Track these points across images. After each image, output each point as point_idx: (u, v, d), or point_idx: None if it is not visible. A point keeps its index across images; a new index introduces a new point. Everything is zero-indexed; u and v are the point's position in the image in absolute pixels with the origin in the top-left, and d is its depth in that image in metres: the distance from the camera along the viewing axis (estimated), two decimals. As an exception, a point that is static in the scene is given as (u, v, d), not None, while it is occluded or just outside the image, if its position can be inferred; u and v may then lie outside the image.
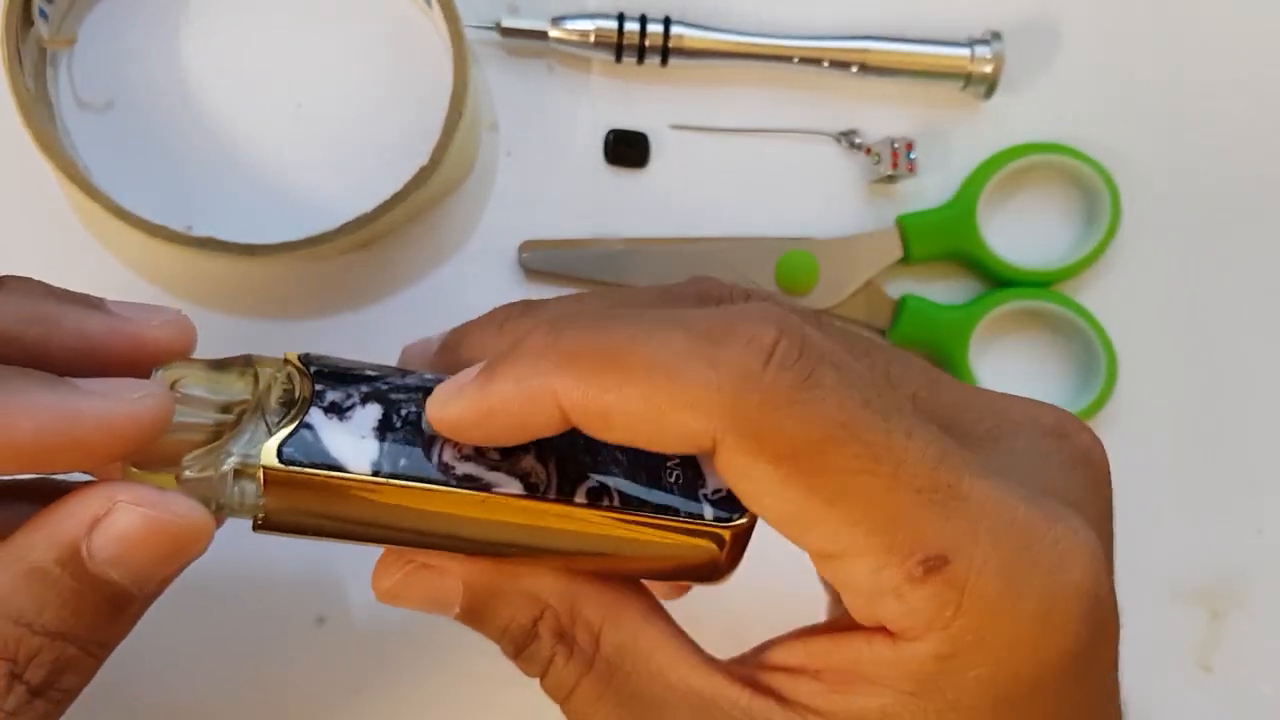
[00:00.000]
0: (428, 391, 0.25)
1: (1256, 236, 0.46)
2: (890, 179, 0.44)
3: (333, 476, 0.24)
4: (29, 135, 0.38)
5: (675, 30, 0.43)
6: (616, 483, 0.24)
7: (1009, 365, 0.45)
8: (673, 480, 0.25)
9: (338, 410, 0.24)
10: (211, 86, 0.43)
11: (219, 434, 0.24)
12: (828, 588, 0.27)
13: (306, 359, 0.25)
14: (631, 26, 0.43)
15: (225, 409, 0.24)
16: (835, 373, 0.21)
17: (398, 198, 0.39)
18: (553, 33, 0.43)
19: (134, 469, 0.24)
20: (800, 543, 0.23)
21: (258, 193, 0.42)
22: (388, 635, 0.41)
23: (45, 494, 0.24)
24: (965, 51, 0.44)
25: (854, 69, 0.44)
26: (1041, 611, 0.22)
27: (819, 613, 0.28)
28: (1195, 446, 0.45)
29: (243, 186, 0.42)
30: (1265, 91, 0.46)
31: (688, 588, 0.29)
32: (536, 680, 0.26)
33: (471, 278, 0.43)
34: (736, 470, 0.22)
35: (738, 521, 0.25)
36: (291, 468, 0.24)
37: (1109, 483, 0.25)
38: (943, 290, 0.45)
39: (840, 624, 0.24)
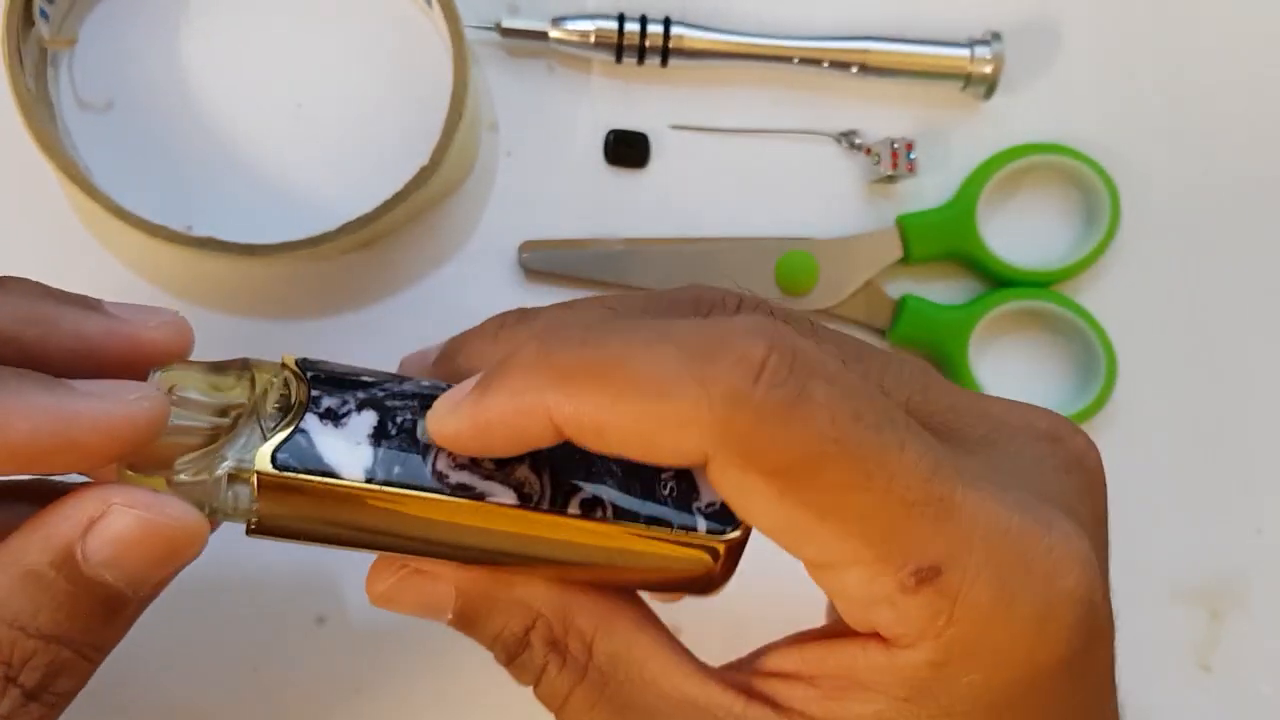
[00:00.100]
0: (424, 399, 0.25)
1: (1256, 236, 0.46)
2: (890, 179, 0.44)
3: (326, 483, 0.24)
4: (29, 135, 0.38)
5: (675, 31, 0.43)
6: (610, 494, 0.24)
7: (1008, 365, 0.45)
8: (667, 492, 0.25)
9: (333, 416, 0.24)
10: (211, 86, 0.43)
11: (215, 437, 0.24)
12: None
13: (304, 364, 0.25)
14: (632, 27, 0.43)
15: (221, 413, 0.24)
16: (827, 386, 0.21)
17: (398, 198, 0.40)
18: (553, 33, 0.43)
19: (129, 472, 0.24)
20: (794, 553, 0.23)
21: (258, 193, 0.42)
22: (387, 635, 0.41)
23: (43, 495, 0.24)
24: (965, 52, 0.44)
25: (854, 69, 0.44)
26: (1035, 619, 0.22)
27: (819, 613, 0.28)
28: (1195, 446, 0.45)
29: (243, 186, 0.42)
30: (1265, 92, 0.46)
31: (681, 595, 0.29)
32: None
33: (471, 278, 0.43)
34: (729, 485, 0.22)
35: (731, 535, 0.25)
36: (285, 473, 0.24)
37: (1103, 487, 0.25)
38: (942, 290, 0.45)
39: (835, 629, 0.24)
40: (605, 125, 0.44)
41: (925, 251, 0.43)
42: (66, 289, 0.26)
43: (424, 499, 0.24)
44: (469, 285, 0.43)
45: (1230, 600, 0.44)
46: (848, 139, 0.44)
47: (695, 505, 0.25)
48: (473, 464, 0.24)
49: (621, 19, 0.43)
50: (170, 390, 0.24)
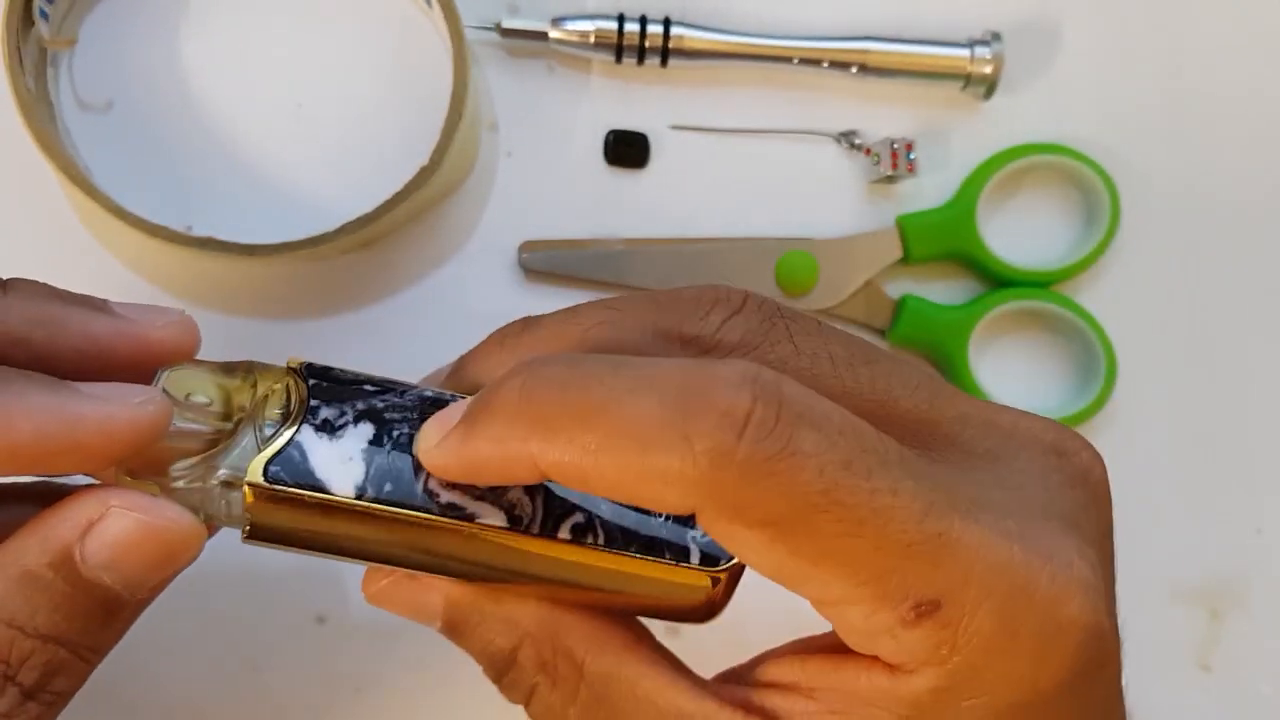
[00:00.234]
0: (424, 411, 0.24)
1: (1256, 237, 0.46)
2: (890, 179, 0.44)
3: (316, 497, 0.24)
4: (29, 135, 0.38)
5: (675, 31, 0.43)
6: (603, 519, 0.24)
7: (1008, 365, 0.45)
8: (663, 518, 0.24)
9: (329, 428, 0.24)
10: (211, 86, 0.43)
11: (215, 442, 0.24)
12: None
13: (307, 369, 0.25)
14: (631, 27, 0.43)
15: (222, 417, 0.24)
16: (815, 434, 0.21)
17: (398, 198, 0.40)
18: (553, 33, 0.43)
19: (126, 476, 0.24)
20: (792, 591, 0.23)
21: (258, 193, 0.42)
22: (388, 635, 0.41)
23: (45, 497, 0.24)
24: (965, 52, 0.44)
25: (854, 69, 0.44)
26: (1038, 647, 0.22)
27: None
28: (1195, 446, 0.45)
29: (243, 186, 0.42)
30: (1265, 93, 0.46)
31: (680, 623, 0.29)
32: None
33: (471, 278, 0.43)
34: (718, 534, 0.22)
35: (725, 565, 0.24)
36: (276, 486, 0.24)
37: (1109, 500, 0.25)
38: (942, 290, 0.45)
39: (839, 641, 0.24)
40: (605, 125, 0.44)
41: (925, 251, 0.43)
42: (68, 290, 0.26)
43: (413, 517, 0.24)
44: (469, 285, 0.43)
45: (1230, 600, 0.44)
46: (848, 139, 0.44)
47: (690, 534, 0.24)
48: (465, 484, 0.24)
49: (621, 19, 0.43)
50: (173, 393, 0.24)
